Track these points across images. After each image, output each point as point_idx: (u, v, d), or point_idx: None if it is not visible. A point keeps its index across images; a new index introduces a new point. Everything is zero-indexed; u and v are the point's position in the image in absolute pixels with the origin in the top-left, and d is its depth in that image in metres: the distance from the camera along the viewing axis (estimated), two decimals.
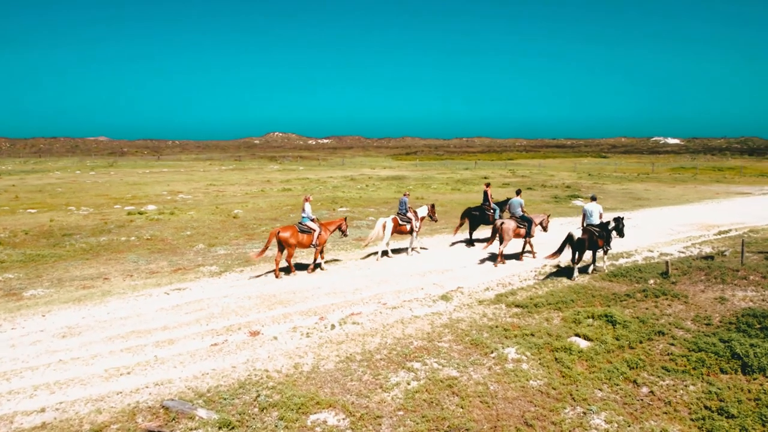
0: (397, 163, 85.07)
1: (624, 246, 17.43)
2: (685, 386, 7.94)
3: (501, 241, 15.37)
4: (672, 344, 9.31)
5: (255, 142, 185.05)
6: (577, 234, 13.69)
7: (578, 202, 31.18)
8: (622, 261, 15.55)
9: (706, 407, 7.37)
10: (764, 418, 6.99)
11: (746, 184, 45.69)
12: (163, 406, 7.34)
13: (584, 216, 14.56)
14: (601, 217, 14.37)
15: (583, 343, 9.39)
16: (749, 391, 7.72)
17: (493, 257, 15.99)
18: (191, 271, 14.66)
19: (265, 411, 7.23)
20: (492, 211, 18.17)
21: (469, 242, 18.33)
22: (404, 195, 17.29)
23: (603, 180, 48.23)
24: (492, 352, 9.09)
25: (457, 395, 7.69)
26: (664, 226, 21.93)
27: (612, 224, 14.49)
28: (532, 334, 9.86)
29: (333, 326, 10.34)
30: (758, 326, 9.67)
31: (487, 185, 19.26)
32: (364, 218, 23.68)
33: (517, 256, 16.16)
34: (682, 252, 16.97)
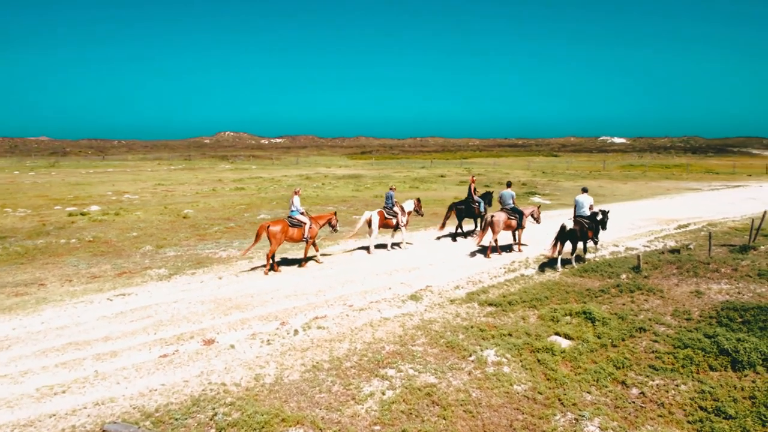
0: (352, 162, 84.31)
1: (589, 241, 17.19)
2: (676, 386, 7.47)
3: (493, 233, 15.38)
4: (655, 341, 8.88)
5: (205, 141, 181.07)
6: (570, 225, 13.72)
7: (536, 199, 31.16)
8: (589, 256, 15.22)
9: (701, 408, 6.90)
10: (764, 418, 6.57)
11: (694, 180, 46.95)
12: (104, 431, 6.36)
13: (575, 207, 14.64)
14: (591, 208, 14.48)
15: (565, 343, 8.86)
16: (743, 389, 7.31)
17: (474, 252, 15.81)
18: (137, 275, 13.50)
19: None
20: (477, 204, 18.21)
21: (456, 236, 18.28)
22: (390, 189, 16.97)
23: (557, 177, 48.71)
24: (470, 355, 8.43)
25: (438, 404, 6.99)
26: (625, 221, 21.89)
27: (600, 216, 14.65)
28: (510, 334, 9.27)
29: (296, 332, 9.47)
30: (740, 320, 9.36)
31: (473, 179, 19.34)
32: None
33: (485, 251, 15.71)
34: (647, 246, 16.84)
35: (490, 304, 10.97)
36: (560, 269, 13.63)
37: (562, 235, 13.65)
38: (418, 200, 17.73)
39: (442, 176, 49.21)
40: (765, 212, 16.34)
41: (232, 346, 8.88)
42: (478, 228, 18.67)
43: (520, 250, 16.11)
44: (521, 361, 8.24)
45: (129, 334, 9.44)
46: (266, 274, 13.33)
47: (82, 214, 23.74)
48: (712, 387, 7.35)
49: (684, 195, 33.78)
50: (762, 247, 14.59)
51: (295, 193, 14.44)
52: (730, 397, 7.10)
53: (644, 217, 23.17)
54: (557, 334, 9.22)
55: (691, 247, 15.70)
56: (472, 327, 9.65)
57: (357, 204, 27.28)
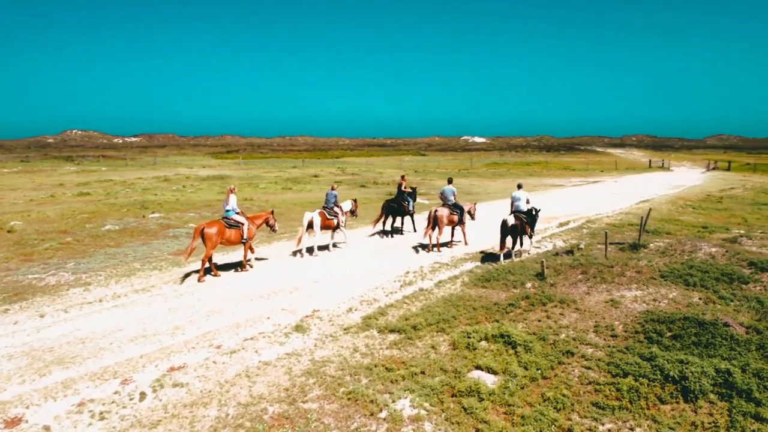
0: (217, 162, 79.48)
1: (478, 244, 16.24)
2: (631, 429, 6.17)
3: (434, 229, 15.48)
4: (588, 368, 7.62)
5: (49, 141, 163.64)
6: (511, 220, 13.88)
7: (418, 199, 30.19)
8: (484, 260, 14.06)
9: None
10: None
11: (555, 176, 49.22)
12: None
13: (512, 203, 14.82)
14: (528, 203, 14.74)
15: (490, 379, 7.31)
16: (704, 426, 6.18)
17: (378, 258, 14.40)
18: None
19: None
20: (406, 202, 18.45)
21: (389, 233, 18.45)
22: (332, 189, 16.53)
23: (430, 176, 48.71)
24: (380, 410, 6.55)
25: None
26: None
27: (533, 211, 14.92)
28: (423, 372, 7.56)
29: (143, 395, 6.96)
30: (669, 334, 8.42)
31: (402, 177, 19.49)
32: (183, 225, 19.76)
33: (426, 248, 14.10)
34: (537, 247, 16.16)
35: (392, 331, 9.19)
36: (503, 261, 13.62)
37: (505, 231, 13.86)
38: (355, 201, 17.70)
39: (315, 176, 47.13)
40: (650, 210, 16.32)
41: (47, 428, 6.22)
42: (409, 225, 19.12)
43: (466, 244, 16.42)
44: (444, 412, 6.52)
45: None
46: (201, 281, 12.30)
47: None
48: (670, 427, 6.15)
49: (551, 191, 34.73)
50: (651, 245, 14.32)
51: (230, 191, 13.50)
52: None
53: None
54: (478, 367, 7.66)
55: (581, 246, 15.17)
56: (375, 366, 7.79)
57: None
